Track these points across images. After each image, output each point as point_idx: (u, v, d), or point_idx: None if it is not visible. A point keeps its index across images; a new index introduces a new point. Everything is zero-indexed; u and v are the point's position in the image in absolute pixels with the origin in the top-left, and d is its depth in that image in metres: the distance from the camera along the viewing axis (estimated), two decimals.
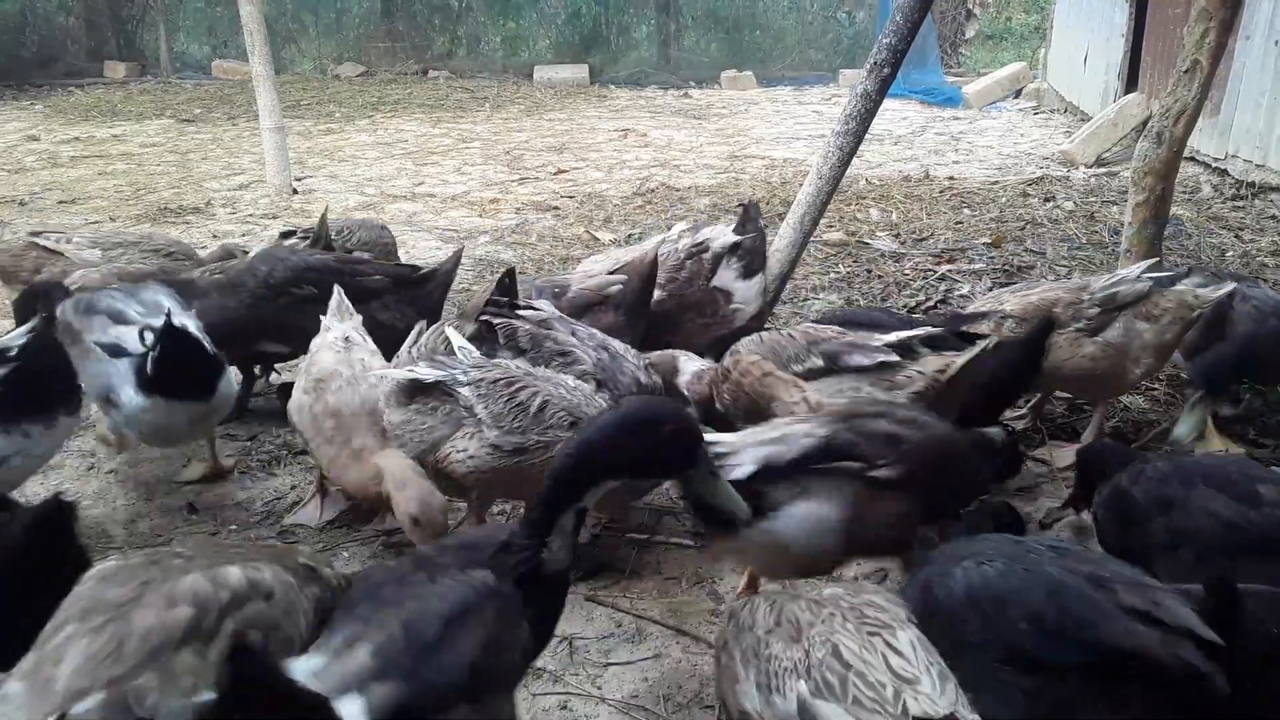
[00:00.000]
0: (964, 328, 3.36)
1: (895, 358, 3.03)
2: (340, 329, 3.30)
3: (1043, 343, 3.35)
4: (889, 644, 1.80)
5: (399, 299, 4.01)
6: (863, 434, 2.53)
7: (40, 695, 1.57)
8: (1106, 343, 3.52)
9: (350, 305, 3.46)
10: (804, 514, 2.45)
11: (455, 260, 4.23)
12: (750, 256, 4.21)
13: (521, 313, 3.39)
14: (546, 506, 1.98)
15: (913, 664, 1.75)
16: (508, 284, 3.57)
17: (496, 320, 3.36)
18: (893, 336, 3.09)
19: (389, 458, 2.90)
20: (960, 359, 2.98)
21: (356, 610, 1.85)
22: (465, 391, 2.86)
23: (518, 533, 1.99)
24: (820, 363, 3.07)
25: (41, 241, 4.39)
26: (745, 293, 4.14)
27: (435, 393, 2.92)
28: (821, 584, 2.16)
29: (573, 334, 3.32)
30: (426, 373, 2.91)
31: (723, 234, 4.13)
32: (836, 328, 3.21)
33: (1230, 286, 3.70)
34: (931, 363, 3.03)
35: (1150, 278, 3.65)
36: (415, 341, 3.25)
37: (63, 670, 1.59)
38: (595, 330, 3.41)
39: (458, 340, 3.18)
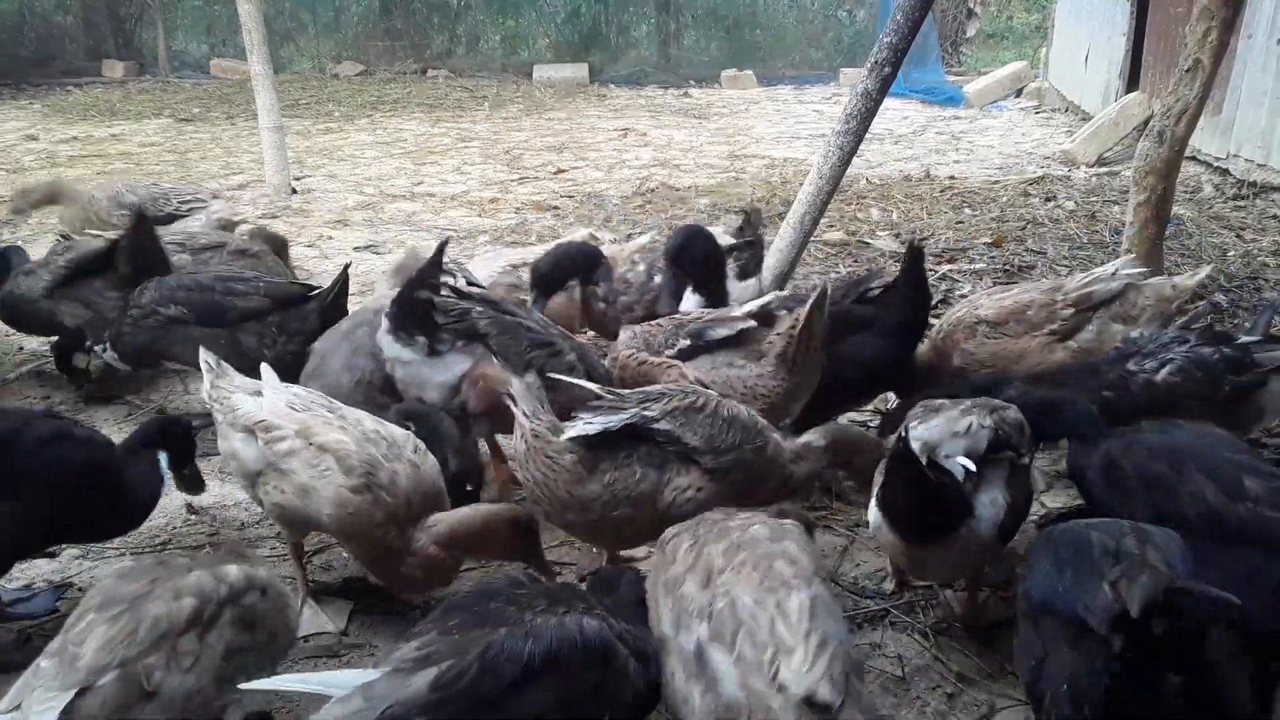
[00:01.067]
0: (863, 289, 3.54)
1: (753, 324, 3.20)
2: (277, 393, 2.72)
3: (920, 267, 3.52)
4: (779, 606, 1.90)
5: (276, 323, 3.73)
6: (1009, 423, 2.62)
7: (67, 671, 1.87)
8: (1079, 348, 3.52)
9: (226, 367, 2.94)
10: (991, 504, 2.50)
11: (341, 282, 3.79)
12: (746, 259, 4.22)
13: (469, 291, 3.18)
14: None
15: (795, 632, 1.86)
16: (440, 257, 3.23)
17: (441, 300, 3.08)
18: (752, 305, 3.27)
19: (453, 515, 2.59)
20: (804, 308, 3.10)
21: (451, 619, 1.86)
22: (665, 425, 2.59)
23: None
24: (688, 342, 3.25)
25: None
26: (741, 294, 4.12)
27: (622, 441, 2.58)
28: (750, 519, 2.23)
29: (537, 322, 3.22)
30: (615, 419, 2.56)
31: (719, 237, 4.10)
32: (708, 312, 3.44)
33: (1206, 271, 3.79)
34: (784, 321, 3.20)
35: (1126, 275, 3.64)
36: (531, 396, 2.67)
37: (85, 650, 1.89)
38: (542, 315, 3.41)
39: (587, 384, 2.84)
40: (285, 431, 2.59)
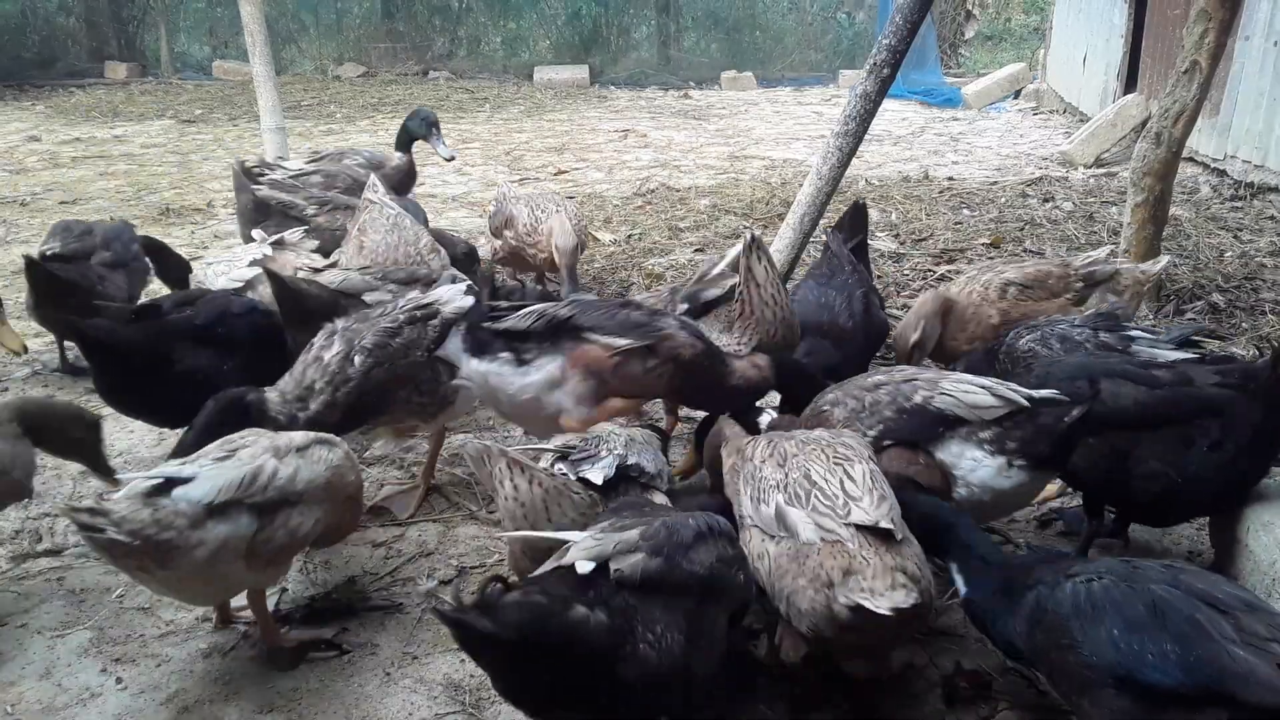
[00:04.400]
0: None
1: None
2: (193, 462, 2.49)
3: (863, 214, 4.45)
4: (847, 472, 2.36)
5: None
6: None
7: None
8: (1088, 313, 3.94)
9: None
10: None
11: None
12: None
13: (521, 302, 3.26)
14: None
15: (860, 487, 2.31)
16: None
17: (511, 315, 3.09)
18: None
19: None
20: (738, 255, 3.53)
21: (623, 516, 2.26)
22: (634, 460, 2.65)
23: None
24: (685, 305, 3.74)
25: None
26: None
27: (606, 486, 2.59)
28: (809, 431, 2.64)
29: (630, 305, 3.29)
30: (604, 464, 2.58)
31: (457, 297, 3.41)
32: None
33: (1165, 261, 4.31)
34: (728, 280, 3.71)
35: (1117, 260, 4.23)
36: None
37: None
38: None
39: (544, 445, 2.75)
40: (270, 463, 2.50)
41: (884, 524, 2.20)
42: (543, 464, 2.55)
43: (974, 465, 2.68)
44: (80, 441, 2.99)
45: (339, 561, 3.13)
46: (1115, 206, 7.13)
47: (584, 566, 1.99)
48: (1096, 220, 6.93)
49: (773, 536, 2.31)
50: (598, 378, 3.04)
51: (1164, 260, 4.30)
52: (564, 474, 2.53)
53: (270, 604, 2.84)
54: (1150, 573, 2.03)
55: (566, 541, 2.14)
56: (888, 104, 8.16)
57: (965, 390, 2.71)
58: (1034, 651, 2.16)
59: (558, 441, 2.73)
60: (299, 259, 4.17)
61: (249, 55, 7.80)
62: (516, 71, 16.56)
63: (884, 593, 2.08)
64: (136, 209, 7.65)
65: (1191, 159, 8.12)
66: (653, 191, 8.25)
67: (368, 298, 3.67)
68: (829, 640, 2.25)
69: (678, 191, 8.22)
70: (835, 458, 2.41)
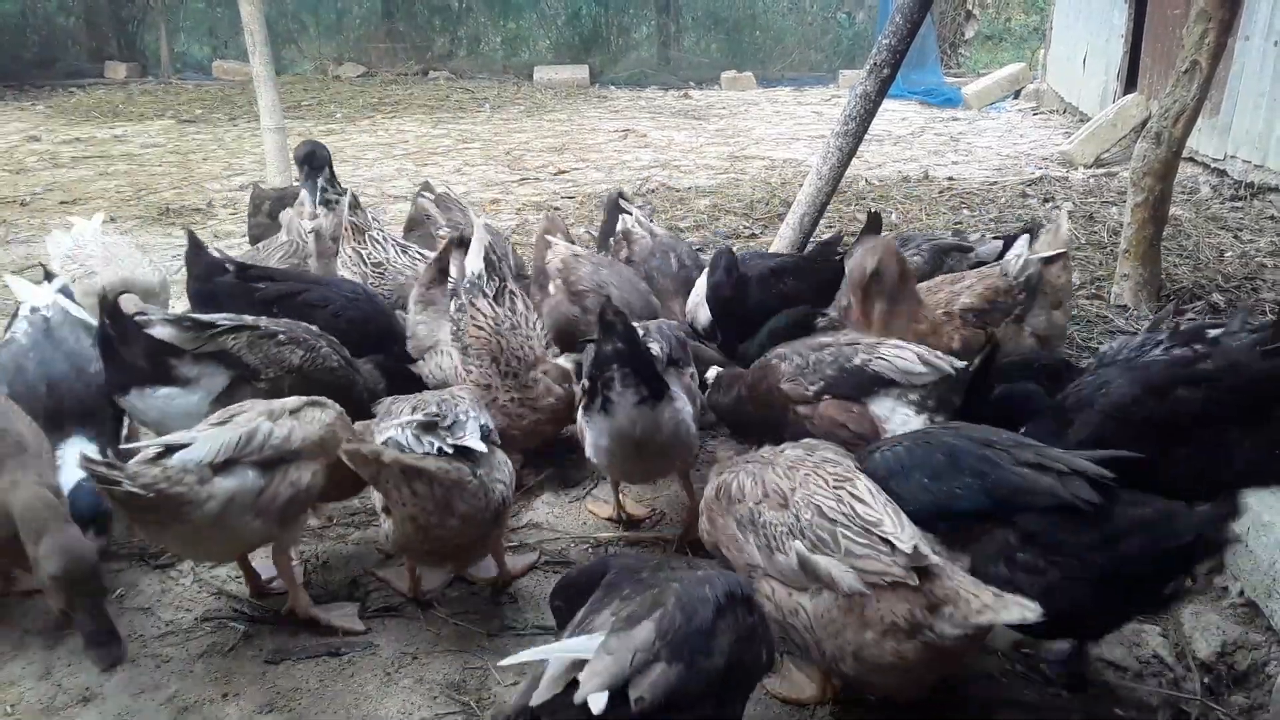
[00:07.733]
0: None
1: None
2: (195, 431, 2.63)
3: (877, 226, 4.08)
4: (853, 494, 2.20)
5: None
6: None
7: None
8: (1033, 332, 3.65)
9: None
10: None
11: None
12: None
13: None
14: None
15: (875, 508, 2.16)
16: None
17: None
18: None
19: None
20: None
21: (621, 591, 1.95)
22: (484, 420, 2.84)
23: None
24: None
25: None
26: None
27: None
28: (773, 450, 2.55)
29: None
30: (474, 437, 2.65)
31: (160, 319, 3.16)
32: None
33: (1064, 217, 3.80)
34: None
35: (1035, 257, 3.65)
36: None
37: None
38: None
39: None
40: (265, 425, 2.64)
41: (930, 559, 2.02)
42: (404, 434, 2.58)
43: (905, 420, 2.95)
44: None
45: (339, 562, 3.14)
46: (1115, 207, 7.13)
47: (598, 703, 1.66)
48: (1097, 220, 6.93)
49: (802, 589, 2.14)
50: None
51: (1063, 217, 3.71)
52: (458, 467, 2.53)
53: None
54: (938, 432, 2.48)
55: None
56: (888, 104, 8.15)
57: (897, 355, 2.98)
58: None
59: (413, 415, 2.73)
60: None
61: (249, 55, 7.79)
62: (516, 71, 16.56)
63: (1004, 607, 1.91)
64: (136, 209, 7.65)
65: (1191, 159, 8.12)
66: (653, 192, 8.25)
67: None
68: (907, 679, 2.09)
69: (678, 191, 8.23)
70: (835, 479, 2.26)
